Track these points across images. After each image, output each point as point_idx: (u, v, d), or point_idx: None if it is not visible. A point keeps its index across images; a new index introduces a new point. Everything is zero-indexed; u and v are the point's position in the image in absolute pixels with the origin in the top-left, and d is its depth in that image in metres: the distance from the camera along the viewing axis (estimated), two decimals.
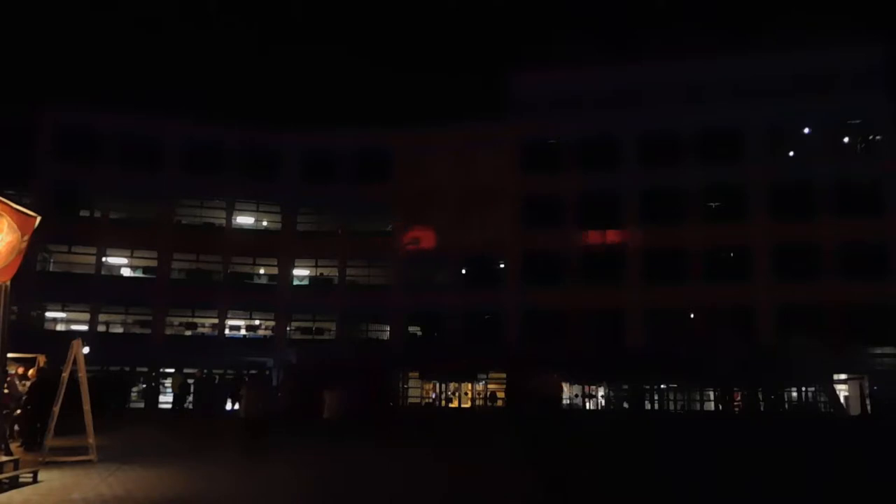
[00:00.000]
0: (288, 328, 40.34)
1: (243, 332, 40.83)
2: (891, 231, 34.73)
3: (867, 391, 33.90)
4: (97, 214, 39.47)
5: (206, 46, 79.27)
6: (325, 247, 40.73)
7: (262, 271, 41.30)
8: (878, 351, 33.98)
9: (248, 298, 39.85)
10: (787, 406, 35.36)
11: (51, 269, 38.48)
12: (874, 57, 36.03)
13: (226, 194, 40.16)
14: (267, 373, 37.50)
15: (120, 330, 38.74)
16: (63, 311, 39.16)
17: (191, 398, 31.80)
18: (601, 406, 37.71)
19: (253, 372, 35.88)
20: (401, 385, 38.92)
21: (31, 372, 16.62)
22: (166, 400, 35.53)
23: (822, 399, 35.35)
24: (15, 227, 11.05)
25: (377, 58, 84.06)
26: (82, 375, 14.18)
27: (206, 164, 39.32)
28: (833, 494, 11.90)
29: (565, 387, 38.26)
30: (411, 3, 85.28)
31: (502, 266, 39.23)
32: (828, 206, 35.55)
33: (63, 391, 13.73)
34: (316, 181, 40.31)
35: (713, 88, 37.84)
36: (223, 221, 40.55)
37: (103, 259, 38.62)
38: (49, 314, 38.93)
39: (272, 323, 40.71)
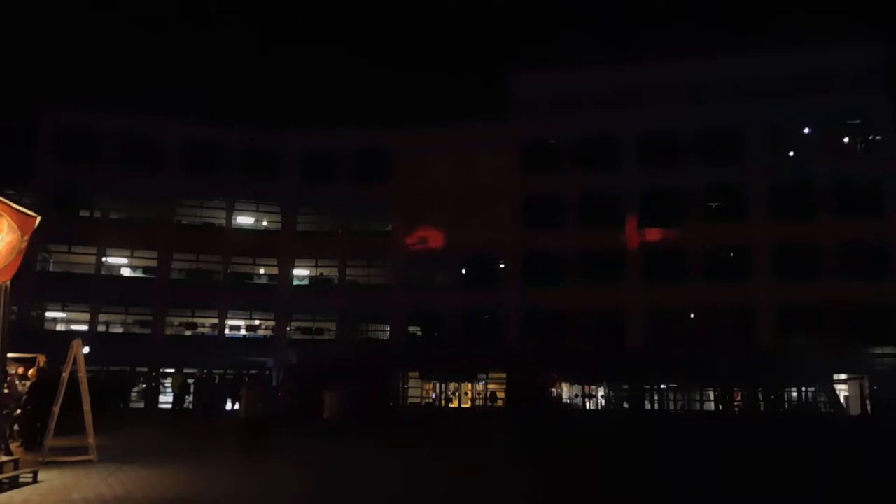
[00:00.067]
0: (288, 328, 40.34)
1: (243, 332, 40.83)
2: (891, 231, 34.73)
3: (867, 391, 33.89)
4: (97, 214, 39.47)
5: (206, 46, 79.30)
6: (325, 247, 40.73)
7: (262, 271, 41.30)
8: (878, 351, 33.97)
9: (248, 298, 39.85)
10: (787, 406, 35.36)
11: (51, 269, 38.48)
12: (874, 57, 36.03)
13: (226, 194, 40.16)
14: (267, 373, 37.50)
15: (120, 330, 38.74)
16: (63, 311, 39.16)
17: (190, 398, 31.80)
18: (601, 406, 37.70)
19: (253, 372, 35.87)
20: (401, 385, 38.91)
21: (31, 372, 16.62)
22: (166, 400, 35.53)
23: (822, 399, 35.34)
24: (15, 227, 11.05)
25: (377, 58, 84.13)
26: (82, 375, 14.18)
27: (206, 164, 39.32)
28: (833, 494, 11.90)
29: (565, 387, 38.41)
30: (411, 3, 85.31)
31: (502, 266, 39.22)
32: (828, 206, 35.55)
33: (63, 391, 13.73)
34: (316, 181, 40.31)
35: (713, 88, 37.84)
36: (223, 221, 40.55)
37: (103, 259, 38.62)
38: (49, 314, 38.93)
39: (272, 323, 40.70)
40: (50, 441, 13.44)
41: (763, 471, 14.37)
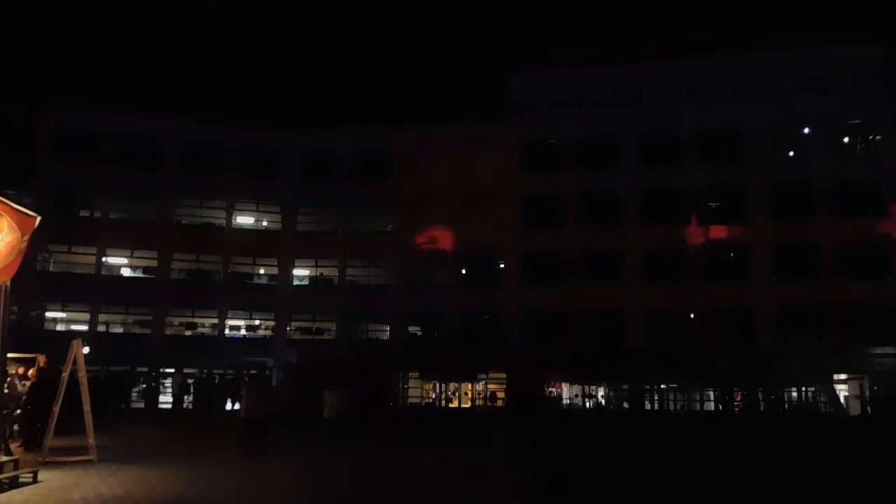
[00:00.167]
0: (288, 328, 40.34)
1: (243, 332, 40.82)
2: (891, 231, 34.74)
3: (867, 391, 33.89)
4: (97, 214, 39.47)
5: (206, 46, 79.29)
6: (325, 247, 40.73)
7: (262, 271, 41.30)
8: (878, 351, 33.96)
9: (248, 298, 39.85)
10: (787, 406, 35.36)
11: (51, 269, 38.47)
12: (874, 57, 36.03)
13: (226, 194, 40.16)
14: (267, 373, 37.50)
15: (120, 330, 38.73)
16: (63, 311, 39.15)
17: (190, 398, 31.79)
18: (601, 406, 37.69)
19: (253, 372, 35.87)
20: (401, 385, 38.91)
21: (31, 372, 16.62)
22: (166, 400, 35.53)
23: (822, 399, 35.34)
24: (15, 227, 11.05)
25: (377, 58, 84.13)
26: (82, 375, 14.18)
27: (206, 164, 39.32)
28: (833, 494, 11.90)
29: (565, 387, 38.42)
30: (411, 3, 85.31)
31: (502, 266, 39.22)
32: (828, 206, 35.55)
33: (63, 391, 13.73)
34: (316, 181, 40.32)
35: (713, 88, 37.84)
36: (223, 221, 40.55)
37: (103, 259, 38.62)
38: (49, 314, 38.93)
39: (272, 323, 40.71)
40: (50, 441, 13.44)
41: (763, 471, 14.36)
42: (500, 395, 37.62)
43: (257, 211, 41.63)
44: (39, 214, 11.86)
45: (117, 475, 12.28)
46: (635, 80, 38.54)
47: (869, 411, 33.07)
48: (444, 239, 39.31)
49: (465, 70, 75.51)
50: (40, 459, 12.94)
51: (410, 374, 39.35)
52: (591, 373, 36.61)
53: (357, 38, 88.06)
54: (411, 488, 12.25)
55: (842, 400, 35.10)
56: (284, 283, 40.34)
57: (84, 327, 37.00)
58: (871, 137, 37.46)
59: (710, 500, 11.53)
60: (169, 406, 33.49)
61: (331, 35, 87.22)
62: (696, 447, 20.24)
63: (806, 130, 37.78)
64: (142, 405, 36.10)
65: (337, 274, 40.80)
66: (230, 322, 40.10)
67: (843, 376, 35.40)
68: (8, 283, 11.36)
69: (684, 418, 34.16)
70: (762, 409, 35.10)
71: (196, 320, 39.50)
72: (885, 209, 35.21)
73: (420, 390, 39.52)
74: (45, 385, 15.08)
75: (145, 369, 37.58)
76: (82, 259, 38.26)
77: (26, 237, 11.27)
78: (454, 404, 39.05)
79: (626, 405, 37.11)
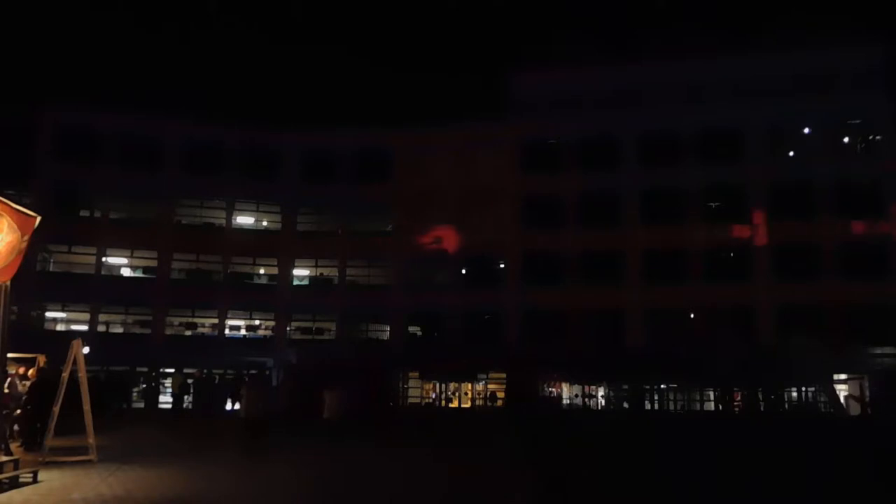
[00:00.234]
0: (288, 328, 40.34)
1: (243, 332, 40.82)
2: (891, 231, 34.74)
3: (867, 391, 33.88)
4: (97, 214, 39.46)
5: (206, 46, 79.29)
6: (325, 247, 40.73)
7: (262, 271, 41.30)
8: (878, 351, 33.96)
9: (248, 298, 39.85)
10: (787, 406, 35.35)
11: (51, 269, 38.47)
12: (874, 57, 36.03)
13: (226, 194, 40.16)
14: (267, 373, 37.49)
15: (120, 330, 38.73)
16: (63, 311, 39.15)
17: (190, 398, 31.78)
18: (601, 406, 37.69)
19: (253, 372, 35.87)
20: (401, 385, 38.91)
21: (31, 372, 16.62)
22: (166, 400, 35.53)
23: (822, 399, 35.34)
24: (15, 227, 11.05)
25: (377, 58, 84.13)
26: (82, 375, 14.18)
27: (206, 164, 39.32)
28: (833, 494, 11.90)
29: (565, 387, 38.42)
30: (411, 3, 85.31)
31: (502, 266, 39.22)
32: (828, 206, 35.56)
33: (63, 391, 13.73)
34: (316, 181, 40.32)
35: (713, 88, 37.83)
36: (223, 221, 40.55)
37: (103, 259, 38.61)
38: (49, 314, 38.92)
39: (272, 323, 40.70)
40: (50, 441, 13.45)
41: (763, 471, 14.37)
42: (500, 395, 37.62)
43: (257, 211, 41.63)
44: (39, 214, 11.86)
45: (117, 475, 12.28)
46: (635, 80, 38.54)
47: (869, 411, 33.04)
48: (444, 239, 39.31)
49: (465, 70, 75.58)
50: (40, 459, 12.95)
51: (410, 374, 39.34)
52: (591, 373, 36.60)
53: (357, 38, 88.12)
54: (411, 488, 12.25)
55: (842, 400, 35.10)
56: (284, 283, 40.34)
57: (84, 327, 36.99)
58: (871, 137, 37.45)
59: (710, 500, 11.53)
60: (169, 406, 33.48)
61: (331, 35, 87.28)
62: (696, 447, 20.24)
63: (806, 130, 37.78)
64: (142, 405, 36.11)
65: (337, 274, 40.79)
66: (230, 322, 40.10)
67: (843, 376, 35.40)
68: (8, 283, 11.36)
69: (684, 418, 34.16)
70: (762, 409, 35.08)
71: (196, 320, 39.50)
72: (885, 209, 35.21)
73: (420, 390, 39.52)
74: (45, 385, 15.08)
75: (145, 369, 37.57)
76: (82, 259, 38.26)
77: (26, 237, 11.27)
78: (454, 404, 39.05)
79: (626, 405, 37.10)
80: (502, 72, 45.82)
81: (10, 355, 13.45)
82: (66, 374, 13.95)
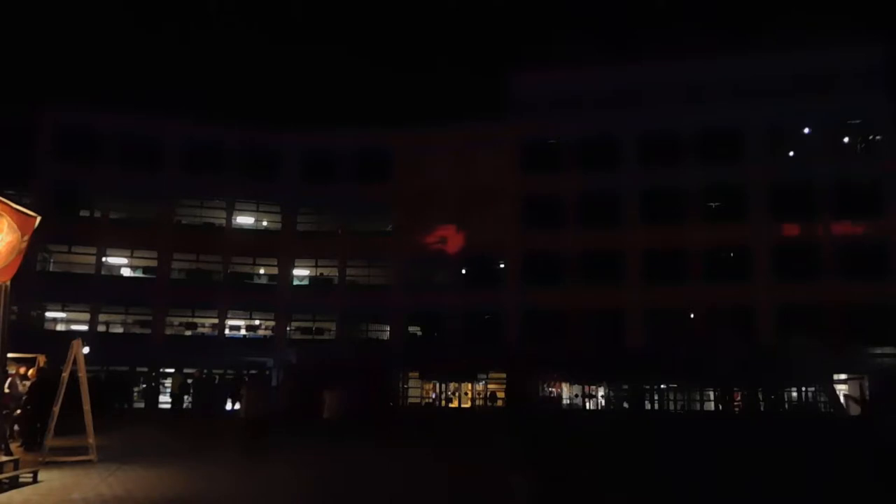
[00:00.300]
0: (288, 328, 40.34)
1: (243, 332, 40.82)
2: (891, 231, 34.74)
3: (867, 391, 33.85)
4: (97, 214, 39.47)
5: (206, 46, 79.29)
6: (325, 247, 40.73)
7: (262, 271, 41.30)
8: (878, 351, 33.96)
9: (248, 298, 39.85)
10: (787, 406, 35.35)
11: (51, 269, 38.47)
12: (874, 57, 36.03)
13: (226, 194, 40.16)
14: (267, 373, 37.49)
15: (120, 330, 38.73)
16: (63, 311, 39.15)
17: (189, 398, 31.77)
18: (601, 406, 37.70)
19: (253, 372, 35.88)
20: (401, 385, 38.91)
21: (31, 372, 16.63)
22: (166, 400, 35.53)
23: (822, 399, 35.34)
24: (15, 227, 11.05)
25: (377, 58, 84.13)
26: (82, 375, 14.18)
27: (206, 164, 39.32)
28: (833, 494, 11.91)
29: (565, 387, 38.43)
30: (411, 3, 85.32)
31: (502, 266, 39.22)
32: (828, 206, 35.56)
33: (63, 391, 13.73)
34: (316, 181, 40.32)
35: (713, 88, 37.83)
36: (223, 221, 40.55)
37: (103, 259, 38.62)
38: (49, 314, 38.93)
39: (272, 323, 40.71)
40: (50, 441, 13.45)
41: (763, 471, 14.37)
42: (500, 395, 37.62)
43: (257, 211, 41.63)
44: (39, 214, 11.86)
45: (117, 475, 12.28)
46: (635, 80, 38.54)
47: (868, 412, 33.00)
48: (444, 239, 39.30)
49: (465, 70, 75.58)
50: (40, 459, 12.95)
51: (410, 374, 39.35)
52: (591, 373, 36.60)
53: (357, 38, 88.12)
54: (411, 488, 12.25)
55: (842, 400, 35.09)
56: (284, 283, 40.35)
57: (84, 327, 36.99)
58: (871, 137, 37.46)
59: (710, 500, 11.53)
60: (169, 406, 33.47)
61: (331, 35, 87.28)
62: (695, 447, 20.24)
63: (806, 130, 37.78)
64: (142, 405, 36.11)
65: (337, 274, 40.80)
66: (230, 322, 40.10)
67: (843, 376, 35.39)
68: (8, 283, 11.36)
69: (684, 418, 34.15)
70: (762, 409, 35.09)
71: (196, 320, 39.51)
72: (885, 209, 35.19)
73: (420, 390, 39.52)
74: (45, 385, 15.08)
75: (145, 369, 37.57)
76: (82, 259, 38.26)
77: (26, 237, 11.27)
78: (454, 404, 39.05)
79: (626, 405, 37.10)
80: (502, 72, 45.87)
81: (10, 355, 13.45)
82: (66, 374, 13.95)
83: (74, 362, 14.08)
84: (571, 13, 79.41)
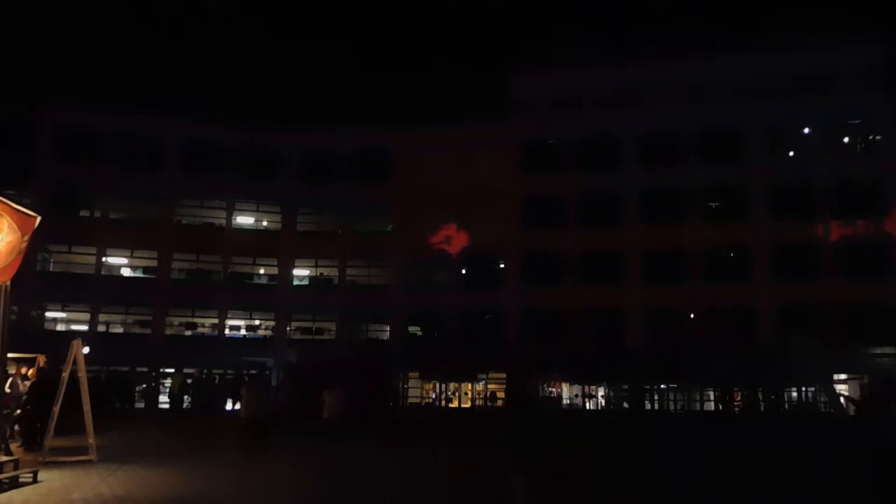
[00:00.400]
0: (288, 328, 40.35)
1: (243, 332, 40.83)
2: (891, 231, 34.74)
3: (867, 392, 33.86)
4: (97, 214, 39.47)
5: (206, 46, 79.29)
6: (325, 247, 40.74)
7: (262, 271, 41.31)
8: (878, 351, 33.96)
9: (248, 298, 39.85)
10: (787, 406, 35.35)
11: (51, 269, 38.47)
12: (874, 57, 36.03)
13: (226, 194, 40.16)
14: (267, 373, 37.47)
15: (120, 330, 38.74)
16: (63, 311, 39.16)
17: (189, 398, 31.76)
18: (601, 406, 37.70)
19: (253, 372, 35.83)
20: (401, 385, 38.92)
21: (31, 372, 16.63)
22: (166, 400, 35.52)
23: (822, 399, 35.33)
24: (15, 227, 11.05)
25: (377, 58, 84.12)
26: (82, 375, 14.18)
27: (206, 164, 39.33)
28: (833, 494, 11.90)
29: (565, 387, 38.41)
30: (411, 3, 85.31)
31: (502, 266, 39.22)
32: (828, 206, 35.57)
33: (63, 391, 13.73)
34: (316, 181, 40.32)
35: (713, 88, 37.84)
36: (223, 221, 40.56)
37: (103, 259, 38.63)
38: (49, 314, 38.93)
39: (272, 323, 40.71)
40: (50, 441, 13.44)
41: (763, 471, 14.37)
42: (500, 395, 37.61)
43: (257, 211, 41.64)
44: (39, 214, 11.85)
45: (117, 475, 12.28)
46: (635, 80, 38.54)
47: (864, 412, 32.98)
48: (444, 239, 39.31)
49: (465, 70, 75.58)
50: (40, 459, 12.95)
51: (410, 374, 39.36)
52: (591, 373, 36.61)
53: (357, 38, 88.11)
54: (411, 488, 12.25)
55: (842, 400, 35.08)
56: (284, 283, 40.35)
57: (84, 327, 37.00)
58: (871, 137, 37.46)
59: (709, 500, 11.53)
60: (168, 406, 33.46)
61: (331, 35, 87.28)
62: (695, 447, 20.24)
63: (806, 130, 37.79)
64: (142, 405, 36.10)
65: (337, 274, 40.80)
66: (230, 322, 40.11)
67: (843, 376, 35.39)
68: (8, 283, 11.36)
69: (684, 418, 34.15)
70: (762, 409, 35.09)
71: (196, 320, 39.51)
72: (885, 209, 35.21)
73: (420, 390, 39.53)
74: (45, 385, 15.08)
75: (145, 369, 37.58)
76: (82, 259, 38.27)
77: (26, 237, 11.27)
78: (454, 404, 39.06)
79: (626, 405, 37.10)
80: (502, 72, 45.86)
81: (10, 355, 13.46)
82: (66, 374, 13.95)
83: (74, 362, 14.08)
84: (571, 13, 79.44)
